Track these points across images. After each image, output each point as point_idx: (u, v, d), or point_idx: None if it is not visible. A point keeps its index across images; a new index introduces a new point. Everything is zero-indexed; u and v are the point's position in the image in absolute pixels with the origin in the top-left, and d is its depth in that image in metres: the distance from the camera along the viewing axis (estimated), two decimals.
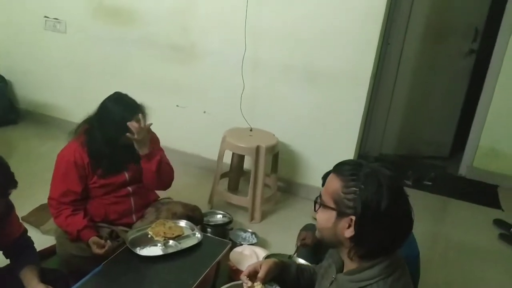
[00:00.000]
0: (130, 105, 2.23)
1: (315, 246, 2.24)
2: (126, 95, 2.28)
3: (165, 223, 2.22)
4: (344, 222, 1.17)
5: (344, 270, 1.24)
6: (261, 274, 1.46)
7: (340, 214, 1.18)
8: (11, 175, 1.57)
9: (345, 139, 3.30)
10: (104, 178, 2.29)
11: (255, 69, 3.42)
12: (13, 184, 1.57)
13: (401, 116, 4.64)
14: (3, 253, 1.87)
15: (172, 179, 2.44)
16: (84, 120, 2.34)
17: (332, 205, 1.19)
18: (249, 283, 1.47)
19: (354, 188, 1.15)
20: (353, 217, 1.14)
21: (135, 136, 2.17)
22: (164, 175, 2.36)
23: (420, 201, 3.52)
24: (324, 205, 1.21)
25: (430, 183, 4.13)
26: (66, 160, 2.23)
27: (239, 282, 1.56)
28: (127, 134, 2.16)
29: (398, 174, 1.21)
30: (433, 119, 4.72)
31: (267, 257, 2.30)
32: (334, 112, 3.29)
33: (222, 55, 3.51)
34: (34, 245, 1.95)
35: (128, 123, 2.15)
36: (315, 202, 1.26)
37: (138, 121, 2.18)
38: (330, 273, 1.32)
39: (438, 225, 3.39)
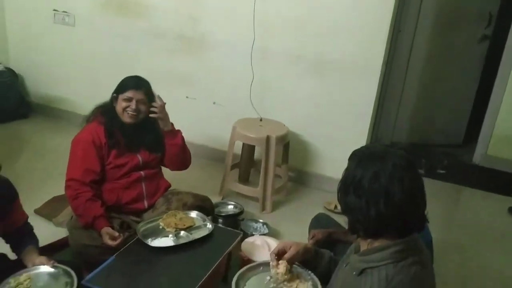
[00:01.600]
0: (137, 81, 2.36)
1: (325, 240, 2.23)
2: (142, 77, 2.41)
3: (176, 214, 2.22)
4: None
5: (358, 252, 1.24)
6: (288, 255, 1.50)
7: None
8: None
9: (356, 128, 3.27)
10: (119, 158, 2.33)
11: (264, 59, 3.39)
12: None
13: (413, 104, 4.58)
14: (4, 239, 1.89)
15: (190, 157, 2.61)
16: (98, 105, 2.42)
17: None
18: (275, 261, 1.48)
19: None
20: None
21: (158, 114, 2.34)
22: (187, 151, 2.56)
23: (433, 190, 3.47)
24: None
25: (443, 172, 4.08)
26: (85, 140, 2.28)
27: (257, 263, 1.63)
28: (151, 110, 2.34)
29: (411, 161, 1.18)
30: (446, 106, 4.64)
31: None
32: (345, 101, 3.25)
33: (231, 45, 3.48)
34: (42, 232, 1.99)
35: (153, 103, 2.33)
36: None
37: (159, 99, 2.37)
38: (349, 256, 1.32)
39: (452, 213, 3.36)
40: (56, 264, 1.75)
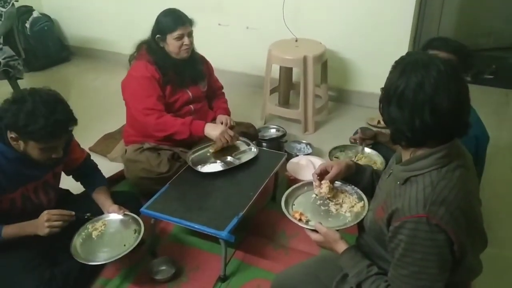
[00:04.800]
0: (180, 16, 2.35)
1: (371, 139, 2.28)
2: (176, 9, 2.39)
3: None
4: None
5: (401, 162, 1.25)
6: (330, 174, 1.53)
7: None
8: (71, 112, 1.66)
9: (396, 39, 3.14)
10: (173, 94, 2.41)
11: None
12: (73, 120, 1.66)
13: (457, 6, 4.28)
14: (73, 177, 2.06)
15: None
16: (141, 42, 2.44)
17: None
18: (317, 182, 1.53)
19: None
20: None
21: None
22: None
23: (481, 96, 3.36)
24: None
25: (491, 77, 3.89)
26: (144, 76, 2.33)
27: (301, 183, 1.66)
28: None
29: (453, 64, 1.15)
30: (492, 6, 4.31)
31: (331, 151, 2.36)
32: (382, 12, 3.10)
33: None
34: (99, 168, 2.12)
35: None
36: None
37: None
38: (391, 166, 1.33)
39: (502, 119, 3.24)
40: (127, 212, 1.91)
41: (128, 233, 1.84)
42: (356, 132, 2.36)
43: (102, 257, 1.74)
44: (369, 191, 1.57)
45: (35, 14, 4.27)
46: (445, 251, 1.09)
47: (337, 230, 1.37)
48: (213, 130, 2.27)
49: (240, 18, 3.62)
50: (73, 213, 1.75)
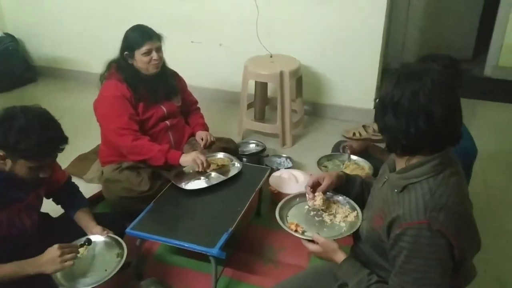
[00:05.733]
0: (146, 31, 2.33)
1: (361, 151, 2.32)
2: (143, 25, 2.37)
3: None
4: None
5: (396, 170, 1.27)
6: (323, 186, 1.55)
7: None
8: (62, 130, 1.61)
9: (367, 53, 3.24)
10: (146, 111, 2.37)
11: None
12: (65, 139, 1.61)
13: (420, 22, 4.48)
14: (53, 200, 1.97)
15: None
16: (110, 61, 2.40)
17: None
18: (311, 194, 1.54)
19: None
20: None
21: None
22: None
23: None
24: None
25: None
26: (114, 95, 2.28)
27: (292, 195, 1.66)
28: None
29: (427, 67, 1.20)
30: (453, 21, 4.54)
31: (319, 160, 2.38)
32: (354, 28, 3.19)
33: None
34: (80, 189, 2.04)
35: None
36: None
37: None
38: (384, 175, 1.36)
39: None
40: (110, 234, 1.82)
41: (111, 256, 1.76)
42: (350, 145, 2.39)
43: (82, 283, 1.64)
44: (360, 200, 1.59)
45: None
46: (446, 256, 1.12)
47: (334, 240, 1.38)
48: (187, 157, 2.23)
49: (213, 35, 3.64)
50: (79, 244, 1.68)
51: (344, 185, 1.60)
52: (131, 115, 2.29)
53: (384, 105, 1.18)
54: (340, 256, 1.33)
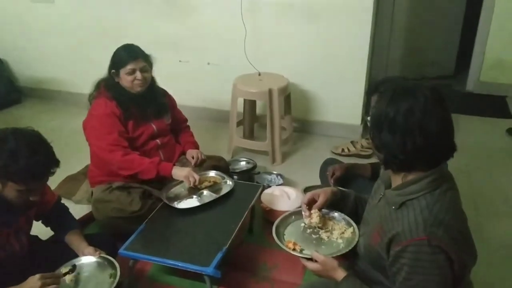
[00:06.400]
0: (133, 51, 2.34)
1: (344, 176, 2.30)
2: (132, 44, 2.38)
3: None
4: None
5: (392, 187, 1.28)
6: (319, 203, 1.56)
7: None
8: (53, 154, 1.59)
9: (354, 70, 3.29)
10: (136, 129, 2.36)
11: (254, 12, 3.34)
12: (56, 162, 1.59)
13: (403, 39, 4.59)
14: (43, 222, 1.93)
15: None
16: (99, 80, 2.40)
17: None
18: (307, 212, 1.54)
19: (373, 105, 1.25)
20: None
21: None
22: None
23: None
24: None
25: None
26: (103, 113, 2.28)
27: (287, 213, 1.66)
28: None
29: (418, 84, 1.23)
30: (435, 38, 4.66)
31: (305, 189, 2.38)
32: (340, 44, 3.25)
33: (218, 2, 3.41)
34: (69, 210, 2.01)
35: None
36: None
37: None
38: (379, 191, 1.37)
39: None
40: (102, 255, 1.79)
41: (103, 277, 1.73)
42: (333, 173, 2.31)
43: None
44: (354, 215, 1.60)
45: None
46: (446, 271, 1.13)
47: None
48: (180, 171, 2.24)
49: (201, 54, 3.66)
50: (62, 272, 1.64)
51: (339, 201, 1.61)
52: (120, 132, 2.29)
53: (379, 123, 1.20)
54: (340, 274, 1.33)
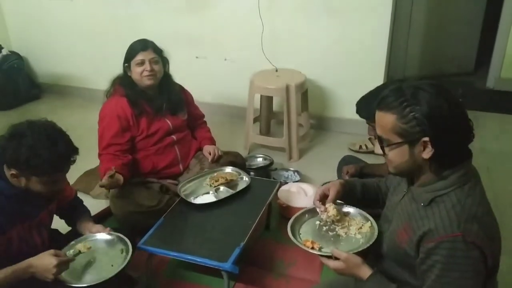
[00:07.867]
0: (144, 42, 2.34)
1: (358, 175, 2.29)
2: (147, 39, 2.39)
3: (214, 173, 2.29)
4: (418, 147, 1.17)
5: (417, 183, 1.26)
6: (331, 196, 1.52)
7: (412, 143, 1.18)
8: (71, 142, 1.60)
9: (372, 66, 3.25)
10: (150, 125, 2.37)
11: (272, 8, 3.32)
12: (75, 151, 1.60)
13: (421, 36, 4.51)
14: (58, 214, 1.94)
15: None
16: (115, 77, 2.42)
17: (399, 140, 1.18)
18: (322, 207, 1.51)
19: (411, 113, 1.15)
20: (426, 138, 1.15)
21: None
22: None
23: None
24: (391, 144, 1.21)
25: (461, 100, 4.06)
26: (109, 115, 2.31)
27: (301, 212, 1.62)
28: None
29: (436, 82, 1.21)
30: (454, 34, 4.56)
31: (323, 185, 2.36)
32: (358, 40, 3.21)
33: None
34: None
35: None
36: (382, 147, 1.25)
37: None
38: (400, 188, 1.34)
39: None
40: (111, 231, 1.80)
41: (115, 252, 1.73)
42: (347, 172, 2.36)
43: (89, 279, 1.60)
44: (362, 204, 1.58)
45: (4, 52, 4.19)
46: (480, 267, 1.11)
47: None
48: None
49: (218, 50, 3.66)
50: (75, 258, 1.65)
51: (349, 191, 1.58)
52: (111, 141, 2.30)
53: (440, 122, 1.16)
54: (366, 271, 1.27)
